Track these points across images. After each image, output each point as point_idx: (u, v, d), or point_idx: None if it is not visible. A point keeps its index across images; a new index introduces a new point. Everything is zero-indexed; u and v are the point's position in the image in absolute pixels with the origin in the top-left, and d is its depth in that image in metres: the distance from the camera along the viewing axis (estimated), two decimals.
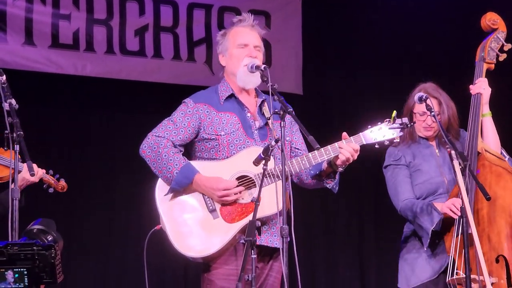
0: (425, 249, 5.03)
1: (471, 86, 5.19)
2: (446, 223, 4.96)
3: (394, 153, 5.21)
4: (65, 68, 7.29)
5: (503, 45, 5.24)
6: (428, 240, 4.98)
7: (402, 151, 5.20)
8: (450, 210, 4.86)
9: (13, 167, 4.40)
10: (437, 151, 5.23)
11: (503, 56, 5.24)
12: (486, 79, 5.18)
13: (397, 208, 5.19)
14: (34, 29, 7.21)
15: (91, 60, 7.36)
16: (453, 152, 4.70)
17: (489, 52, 5.22)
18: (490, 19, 5.30)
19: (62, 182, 5.27)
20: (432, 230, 4.95)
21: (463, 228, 4.74)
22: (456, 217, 4.84)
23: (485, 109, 5.14)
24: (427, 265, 5.08)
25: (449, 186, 5.12)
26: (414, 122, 5.06)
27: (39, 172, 5.05)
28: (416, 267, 5.11)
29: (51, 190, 5.22)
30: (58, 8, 7.29)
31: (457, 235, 4.84)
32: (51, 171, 5.23)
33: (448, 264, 4.95)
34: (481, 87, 5.14)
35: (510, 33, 5.37)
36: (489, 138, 5.09)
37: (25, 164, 4.85)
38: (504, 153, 5.21)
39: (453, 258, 4.88)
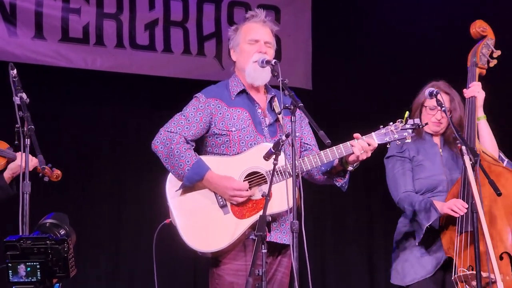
0: (417, 244, 5.05)
1: (464, 90, 5.23)
2: (444, 222, 4.99)
3: (399, 145, 5.22)
4: (75, 62, 7.30)
5: (492, 52, 5.32)
6: (422, 236, 5.01)
7: (406, 144, 5.19)
8: (452, 210, 4.88)
9: (22, 160, 4.44)
10: (440, 150, 5.25)
11: (493, 62, 5.33)
12: (479, 83, 5.24)
13: (394, 199, 5.21)
14: (44, 23, 7.22)
15: (101, 54, 7.37)
16: (463, 147, 4.72)
17: (481, 58, 5.31)
18: (480, 26, 5.40)
19: (57, 171, 5.25)
20: (427, 226, 4.98)
21: (467, 225, 4.79)
22: (457, 216, 4.87)
23: (480, 112, 5.18)
24: (423, 262, 5.09)
25: (449, 185, 5.15)
26: (426, 123, 5.07)
27: (33, 161, 5.02)
28: (412, 264, 5.12)
29: (46, 179, 5.20)
30: (68, 2, 7.30)
31: (461, 233, 4.86)
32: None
33: (444, 261, 5.02)
34: (475, 91, 5.19)
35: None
36: (486, 141, 5.11)
37: (19, 153, 4.89)
38: (502, 155, 5.24)
39: (451, 256, 4.94)
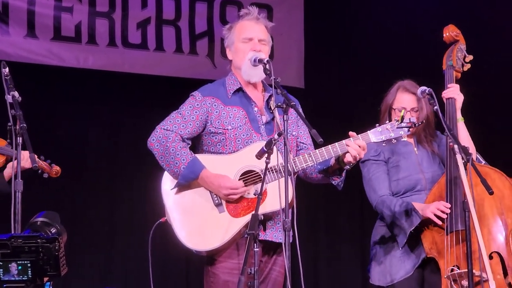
0: (400, 249, 5.06)
1: (444, 92, 5.22)
2: (424, 222, 5.00)
3: (373, 148, 5.20)
4: (67, 61, 7.30)
5: (465, 56, 5.36)
6: (405, 241, 5.02)
7: (381, 147, 5.18)
8: (434, 215, 4.89)
9: (16, 158, 4.43)
10: (415, 149, 5.25)
11: (467, 67, 5.35)
12: (458, 85, 5.25)
13: (372, 204, 5.20)
14: (37, 22, 7.22)
15: (93, 53, 7.37)
16: (455, 146, 4.73)
17: (457, 61, 5.33)
18: (453, 30, 5.44)
19: (56, 167, 5.25)
20: (411, 231, 5.00)
21: (457, 224, 4.79)
22: (440, 222, 4.89)
23: (458, 115, 5.18)
24: (402, 262, 5.09)
25: (427, 183, 5.14)
26: (423, 122, 5.07)
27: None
28: (391, 265, 5.12)
29: (45, 175, 5.20)
30: (60, 1, 7.30)
31: (450, 232, 4.86)
32: (42, 157, 5.21)
33: (423, 260, 5.03)
34: (455, 93, 5.20)
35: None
36: (464, 143, 5.08)
37: (22, 151, 4.88)
38: (480, 158, 5.26)
39: (434, 256, 4.95)
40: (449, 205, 4.87)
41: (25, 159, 4.91)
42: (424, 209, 4.95)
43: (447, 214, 4.87)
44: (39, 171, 5.13)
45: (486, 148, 5.57)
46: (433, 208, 4.91)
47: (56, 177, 5.28)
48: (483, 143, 5.47)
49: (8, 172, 4.98)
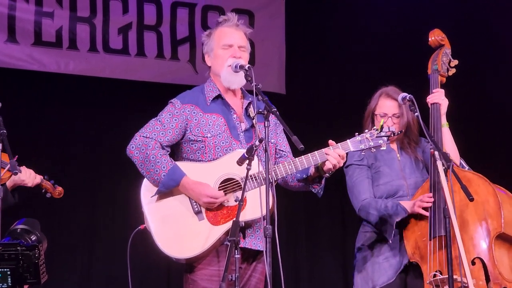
0: (390, 242, 5.05)
1: (428, 97, 5.23)
2: (408, 227, 5.02)
3: (357, 153, 5.21)
4: (48, 66, 7.28)
5: (450, 61, 5.38)
6: (393, 231, 5.01)
7: (364, 152, 5.21)
8: (421, 208, 4.90)
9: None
10: (398, 155, 5.27)
11: (452, 71, 5.38)
12: (443, 90, 5.26)
13: (355, 207, 5.22)
14: (17, 27, 7.20)
15: (74, 58, 7.36)
16: (436, 152, 4.73)
17: (442, 65, 5.35)
18: (439, 35, 5.46)
19: (59, 188, 5.24)
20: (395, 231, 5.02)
21: (440, 230, 4.80)
22: (427, 214, 4.90)
23: (443, 120, 5.19)
24: (385, 269, 5.10)
25: (410, 189, 5.17)
26: (401, 131, 5.08)
27: (37, 179, 5.00)
28: (374, 271, 5.13)
29: (48, 195, 5.18)
30: (41, 6, 7.28)
31: (434, 238, 4.87)
32: (46, 176, 5.19)
33: (404, 266, 5.04)
34: (440, 97, 5.21)
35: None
36: (449, 148, 5.09)
37: (22, 167, 4.86)
38: (464, 163, 5.26)
39: (416, 261, 4.97)
40: (431, 195, 4.89)
41: (27, 175, 4.90)
42: (411, 206, 4.97)
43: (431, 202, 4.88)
44: (43, 190, 5.12)
45: (472, 154, 5.59)
46: (418, 202, 4.94)
47: (59, 197, 5.26)
48: (469, 148, 5.49)
49: (10, 183, 4.96)
